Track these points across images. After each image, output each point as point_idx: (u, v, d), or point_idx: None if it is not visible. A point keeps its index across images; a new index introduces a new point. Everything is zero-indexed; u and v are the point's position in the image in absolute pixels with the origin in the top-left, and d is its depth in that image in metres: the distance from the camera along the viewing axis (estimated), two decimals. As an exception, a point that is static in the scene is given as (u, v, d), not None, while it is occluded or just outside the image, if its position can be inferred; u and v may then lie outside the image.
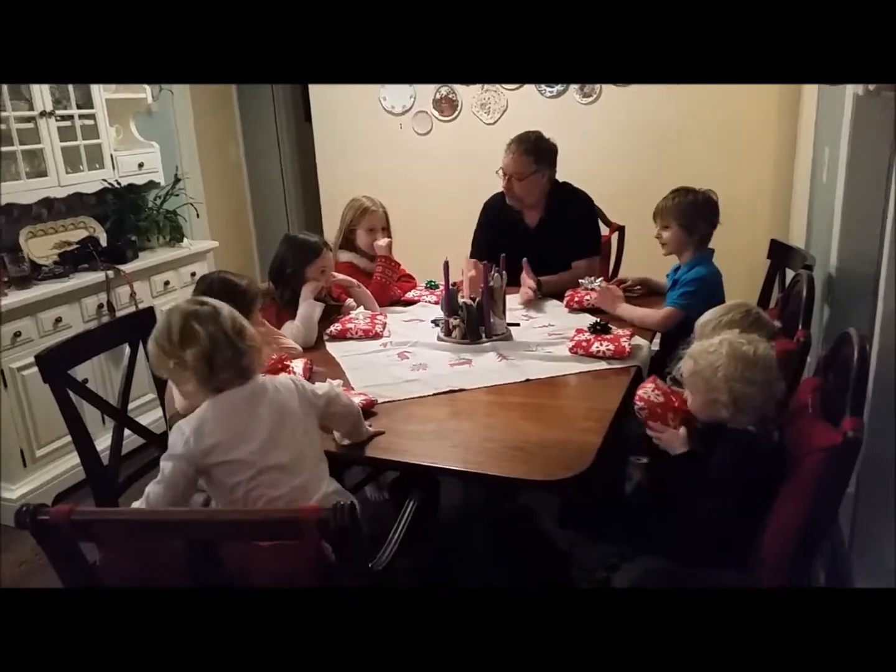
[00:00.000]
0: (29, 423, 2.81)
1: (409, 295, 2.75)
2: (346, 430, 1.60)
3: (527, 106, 4.08)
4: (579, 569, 1.57)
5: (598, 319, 2.05)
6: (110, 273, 3.05)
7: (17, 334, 2.73)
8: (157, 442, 2.10)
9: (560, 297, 2.58)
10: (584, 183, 2.92)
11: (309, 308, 2.26)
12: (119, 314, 3.10)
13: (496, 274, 2.15)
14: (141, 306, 3.19)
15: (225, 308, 1.44)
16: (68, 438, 2.90)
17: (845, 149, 2.11)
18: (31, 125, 2.94)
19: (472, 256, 2.91)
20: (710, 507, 1.44)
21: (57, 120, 3.01)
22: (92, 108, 3.18)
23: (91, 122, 3.19)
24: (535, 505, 1.91)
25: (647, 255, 3.28)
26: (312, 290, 2.30)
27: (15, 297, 2.73)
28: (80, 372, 2.62)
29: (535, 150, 2.68)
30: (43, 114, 2.95)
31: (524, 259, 2.54)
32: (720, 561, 1.48)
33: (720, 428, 1.50)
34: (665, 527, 1.53)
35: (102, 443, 3.04)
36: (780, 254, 2.53)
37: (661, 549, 1.53)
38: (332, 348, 2.21)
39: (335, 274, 2.44)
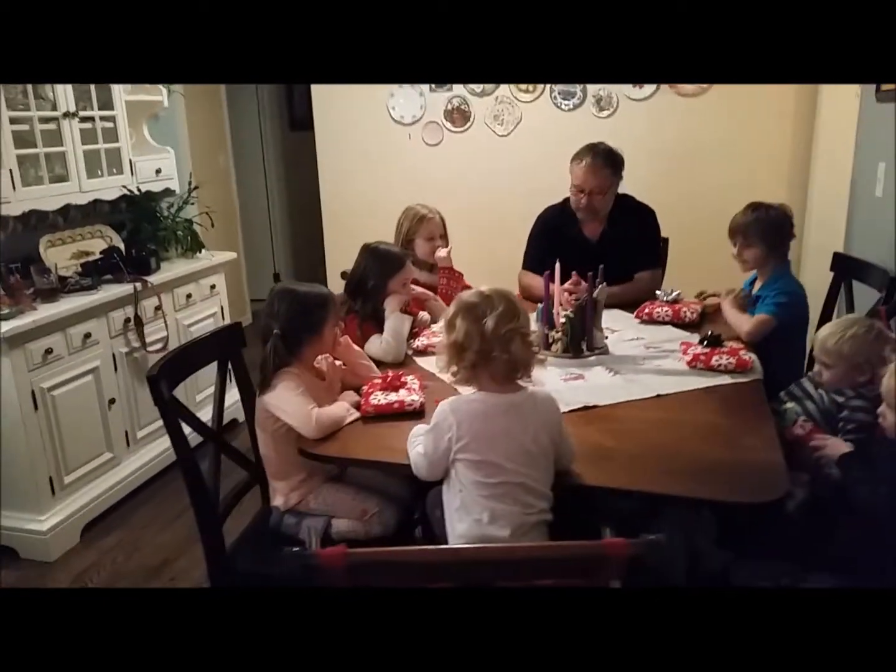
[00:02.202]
0: (58, 447, 2.58)
1: (470, 308, 2.66)
2: (560, 467, 1.47)
3: (541, 119, 4.06)
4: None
5: (710, 332, 2.01)
6: (138, 285, 2.85)
7: (49, 351, 2.50)
8: (245, 463, 1.96)
9: (625, 308, 2.55)
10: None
11: (398, 321, 2.15)
12: (146, 328, 2.90)
13: (601, 286, 2.10)
14: (167, 320, 3.00)
15: None
16: (94, 464, 2.74)
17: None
18: (52, 126, 2.73)
19: (524, 268, 2.88)
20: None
21: (79, 122, 2.80)
22: (112, 109, 2.97)
23: (111, 124, 2.98)
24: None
25: (675, 268, 3.31)
26: (398, 303, 2.19)
27: (44, 312, 2.51)
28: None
29: (612, 162, 2.63)
30: (66, 114, 2.74)
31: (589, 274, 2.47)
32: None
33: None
34: (840, 543, 1.51)
35: (129, 466, 2.84)
36: (848, 268, 2.55)
37: (836, 566, 1.50)
38: (425, 365, 2.10)
39: (414, 287, 2.34)
